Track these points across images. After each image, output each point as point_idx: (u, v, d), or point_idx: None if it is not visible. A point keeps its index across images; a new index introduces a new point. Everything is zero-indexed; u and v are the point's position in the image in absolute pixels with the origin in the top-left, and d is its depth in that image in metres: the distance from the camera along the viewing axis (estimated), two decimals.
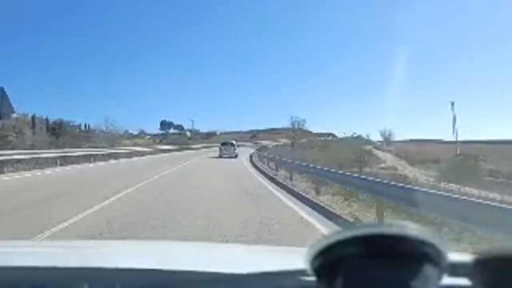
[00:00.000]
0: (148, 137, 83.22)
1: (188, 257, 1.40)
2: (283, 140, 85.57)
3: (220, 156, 30.90)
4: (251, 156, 29.89)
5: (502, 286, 0.58)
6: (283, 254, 1.55)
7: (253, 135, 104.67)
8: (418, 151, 45.65)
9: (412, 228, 0.56)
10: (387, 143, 70.58)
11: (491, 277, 0.59)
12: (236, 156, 30.51)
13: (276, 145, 67.31)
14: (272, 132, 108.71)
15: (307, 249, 0.62)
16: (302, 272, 0.69)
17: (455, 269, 0.63)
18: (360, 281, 0.57)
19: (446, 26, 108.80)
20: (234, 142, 35.47)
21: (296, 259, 0.81)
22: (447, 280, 0.62)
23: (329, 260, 0.59)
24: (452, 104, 44.82)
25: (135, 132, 76.48)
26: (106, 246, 1.78)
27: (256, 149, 41.92)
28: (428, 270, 0.57)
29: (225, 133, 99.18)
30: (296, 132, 66.70)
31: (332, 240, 0.58)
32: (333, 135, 69.99)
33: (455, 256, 0.69)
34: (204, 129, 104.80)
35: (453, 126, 43.72)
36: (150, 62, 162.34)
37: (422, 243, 0.56)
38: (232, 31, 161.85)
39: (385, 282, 0.56)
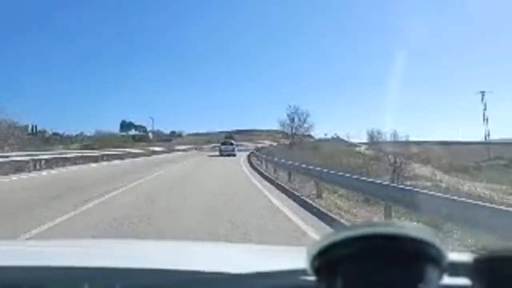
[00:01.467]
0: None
1: (188, 257, 1.40)
2: (266, 142, 77.26)
3: (221, 155, 33.35)
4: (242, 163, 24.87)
5: (502, 286, 0.58)
6: (283, 254, 1.56)
7: (227, 136, 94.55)
8: (438, 155, 37.86)
9: (412, 228, 0.56)
10: (373, 144, 62.59)
11: (491, 277, 0.59)
12: (235, 155, 32.64)
13: (262, 147, 57.66)
14: (249, 133, 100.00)
15: (307, 249, 0.61)
16: (302, 272, 0.69)
17: (455, 269, 0.63)
18: (360, 280, 0.56)
19: (448, 25, 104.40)
20: (233, 141, 38.28)
21: (296, 258, 0.82)
22: (447, 279, 0.62)
23: (329, 260, 0.59)
24: (482, 94, 38.84)
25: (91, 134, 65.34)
26: (106, 246, 1.76)
27: (250, 153, 35.38)
28: (428, 269, 0.57)
29: (193, 134, 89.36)
30: (297, 130, 55.63)
31: (332, 240, 0.57)
32: (310, 136, 61.97)
33: (455, 255, 0.68)
34: (168, 130, 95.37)
35: (485, 124, 37.81)
36: (112, 60, 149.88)
37: (422, 242, 0.56)
38: (203, 25, 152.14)
39: (385, 282, 0.56)
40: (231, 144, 35.82)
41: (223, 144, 36.20)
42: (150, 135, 76.93)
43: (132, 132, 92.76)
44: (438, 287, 0.58)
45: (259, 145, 64.06)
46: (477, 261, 0.61)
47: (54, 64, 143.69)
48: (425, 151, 33.94)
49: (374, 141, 65.24)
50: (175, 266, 1.04)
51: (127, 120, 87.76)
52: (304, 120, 55.89)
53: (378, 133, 67.26)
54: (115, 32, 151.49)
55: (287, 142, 57.64)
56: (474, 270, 0.61)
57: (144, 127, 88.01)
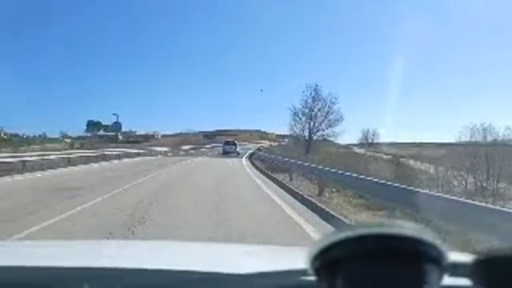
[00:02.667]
0: (68, 140, 67.94)
1: (188, 257, 1.40)
2: (265, 142, 70.83)
3: (225, 153, 36.23)
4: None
5: (502, 286, 0.58)
6: (283, 254, 1.56)
7: (205, 136, 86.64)
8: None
9: (413, 228, 0.56)
10: (371, 145, 57.00)
11: (491, 277, 0.59)
12: (238, 154, 35.63)
13: (260, 147, 50.44)
14: (229, 134, 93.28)
15: (307, 249, 0.61)
16: (303, 272, 0.69)
17: (456, 269, 0.63)
18: (360, 281, 0.56)
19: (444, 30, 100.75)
20: (235, 141, 41.40)
21: (296, 258, 0.84)
22: (447, 280, 0.62)
23: (329, 260, 0.58)
24: None
25: (56, 136, 57.44)
26: (106, 246, 1.78)
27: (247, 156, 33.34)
28: (429, 270, 0.57)
29: (170, 135, 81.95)
30: (318, 125, 38.50)
31: (333, 239, 0.57)
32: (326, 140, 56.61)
33: (456, 256, 0.68)
34: (142, 130, 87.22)
35: None
36: (82, 57, 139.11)
37: (423, 243, 0.56)
38: (175, 23, 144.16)
39: (385, 282, 0.56)
40: (234, 144, 38.85)
41: (226, 144, 39.29)
42: (120, 136, 69.35)
43: (101, 132, 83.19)
44: (439, 287, 0.58)
45: (258, 145, 59.30)
46: (477, 262, 0.60)
47: (15, 62, 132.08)
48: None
49: (371, 143, 60.26)
50: (175, 266, 1.04)
51: (95, 120, 77.89)
52: (328, 110, 37.59)
53: (374, 134, 62.47)
54: (83, 31, 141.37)
55: (283, 142, 51.43)
56: (474, 270, 0.61)
57: (116, 126, 78.91)
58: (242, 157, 32.42)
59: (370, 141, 62.90)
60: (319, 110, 38.20)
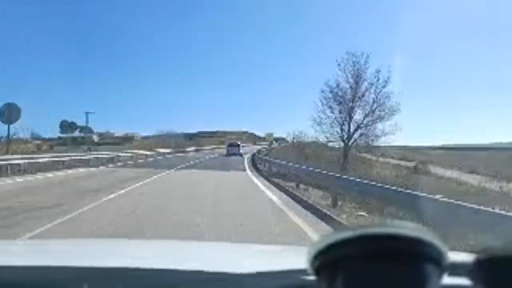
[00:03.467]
0: (38, 142, 62.12)
1: (188, 257, 1.39)
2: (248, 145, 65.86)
3: (228, 155, 38.22)
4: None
5: (502, 286, 0.58)
6: (283, 254, 1.56)
7: (190, 139, 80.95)
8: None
9: (412, 228, 0.56)
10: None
11: (491, 277, 0.59)
12: (241, 155, 37.48)
13: (260, 150, 45.49)
14: (213, 135, 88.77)
15: (307, 249, 0.61)
16: (303, 272, 0.69)
17: (456, 269, 0.63)
18: (360, 281, 0.56)
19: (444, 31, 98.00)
20: (239, 143, 45.25)
21: (296, 258, 0.85)
22: (447, 280, 0.62)
23: (329, 260, 0.59)
24: None
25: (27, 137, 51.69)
26: (107, 246, 1.75)
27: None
28: (429, 270, 0.57)
29: (148, 136, 76.77)
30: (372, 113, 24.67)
31: (333, 239, 0.57)
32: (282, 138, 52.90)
33: (455, 256, 0.68)
34: (120, 132, 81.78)
35: None
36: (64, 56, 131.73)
37: (422, 243, 0.56)
38: (154, 22, 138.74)
39: (385, 282, 0.56)
40: (237, 145, 42.22)
41: (230, 146, 42.57)
42: (95, 137, 64.09)
43: (77, 133, 76.80)
44: (439, 287, 0.58)
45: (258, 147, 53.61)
46: (477, 261, 0.61)
47: None
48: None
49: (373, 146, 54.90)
50: (176, 266, 1.04)
51: (69, 120, 72.52)
52: (384, 85, 24.15)
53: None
54: (60, 25, 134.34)
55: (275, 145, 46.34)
56: (474, 270, 0.61)
57: (89, 127, 72.76)
58: (245, 168, 22.78)
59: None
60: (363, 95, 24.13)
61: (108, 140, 66.65)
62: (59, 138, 63.86)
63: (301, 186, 12.81)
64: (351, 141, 25.13)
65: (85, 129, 76.41)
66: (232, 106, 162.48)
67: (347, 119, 24.98)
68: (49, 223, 6.55)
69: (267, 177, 16.86)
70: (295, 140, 40.11)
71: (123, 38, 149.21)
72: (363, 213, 8.04)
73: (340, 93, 25.16)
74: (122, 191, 11.21)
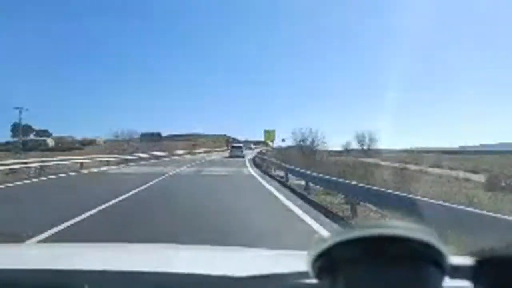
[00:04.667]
0: None
1: (188, 260, 1.40)
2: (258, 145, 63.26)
3: (231, 156, 39.03)
4: None
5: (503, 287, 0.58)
6: (284, 257, 1.55)
7: (147, 138, 75.57)
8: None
9: (414, 230, 0.56)
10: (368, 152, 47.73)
11: (492, 279, 0.59)
12: (243, 156, 38.34)
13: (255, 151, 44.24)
14: (185, 139, 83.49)
15: (308, 251, 0.61)
16: (303, 274, 0.69)
17: (456, 271, 0.63)
18: (361, 282, 0.56)
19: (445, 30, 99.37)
20: (241, 145, 47.42)
21: (296, 261, 0.84)
22: (448, 282, 0.62)
23: (330, 262, 0.59)
24: None
25: None
26: (107, 249, 1.76)
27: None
28: (430, 272, 0.57)
29: (112, 140, 73.09)
30: None
31: (333, 242, 0.57)
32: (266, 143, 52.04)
33: (456, 258, 0.68)
34: (81, 135, 77.05)
35: None
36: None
37: (424, 244, 0.56)
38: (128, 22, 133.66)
39: (386, 283, 0.56)
40: (240, 147, 43.66)
41: (233, 147, 44.45)
42: (49, 141, 59.68)
43: (32, 137, 71.65)
44: None
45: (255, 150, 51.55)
46: (478, 264, 0.61)
47: None
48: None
49: (368, 149, 51.16)
50: (176, 269, 1.05)
51: (23, 123, 66.77)
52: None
53: (371, 139, 52.78)
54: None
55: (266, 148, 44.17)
56: (475, 272, 0.61)
57: (46, 131, 68.57)
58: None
59: (365, 147, 53.62)
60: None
61: (68, 145, 62.37)
62: (7, 143, 58.41)
63: None
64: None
65: (43, 132, 71.30)
66: (212, 110, 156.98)
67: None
68: None
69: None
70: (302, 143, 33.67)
71: (82, 39, 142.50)
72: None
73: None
74: None
